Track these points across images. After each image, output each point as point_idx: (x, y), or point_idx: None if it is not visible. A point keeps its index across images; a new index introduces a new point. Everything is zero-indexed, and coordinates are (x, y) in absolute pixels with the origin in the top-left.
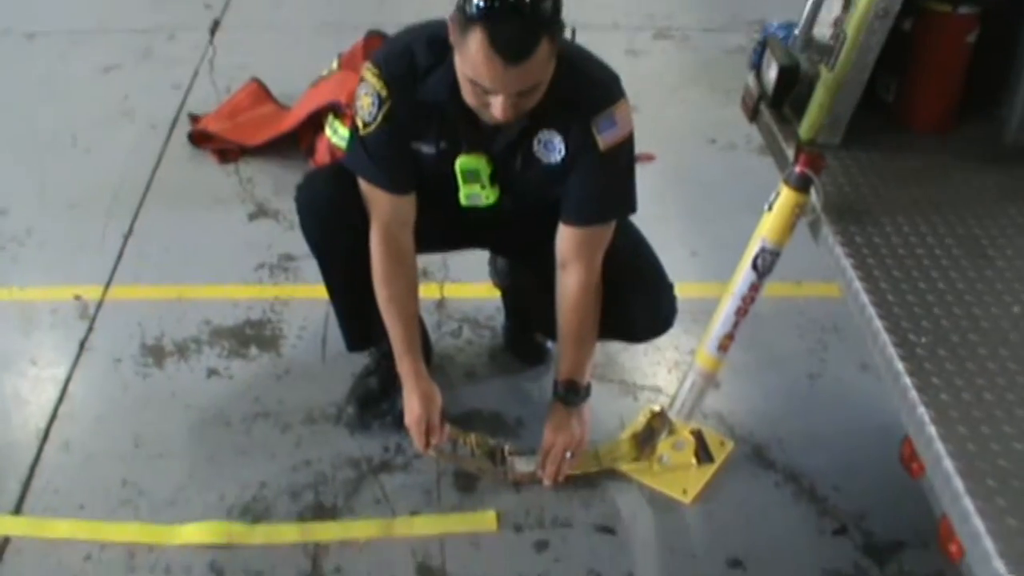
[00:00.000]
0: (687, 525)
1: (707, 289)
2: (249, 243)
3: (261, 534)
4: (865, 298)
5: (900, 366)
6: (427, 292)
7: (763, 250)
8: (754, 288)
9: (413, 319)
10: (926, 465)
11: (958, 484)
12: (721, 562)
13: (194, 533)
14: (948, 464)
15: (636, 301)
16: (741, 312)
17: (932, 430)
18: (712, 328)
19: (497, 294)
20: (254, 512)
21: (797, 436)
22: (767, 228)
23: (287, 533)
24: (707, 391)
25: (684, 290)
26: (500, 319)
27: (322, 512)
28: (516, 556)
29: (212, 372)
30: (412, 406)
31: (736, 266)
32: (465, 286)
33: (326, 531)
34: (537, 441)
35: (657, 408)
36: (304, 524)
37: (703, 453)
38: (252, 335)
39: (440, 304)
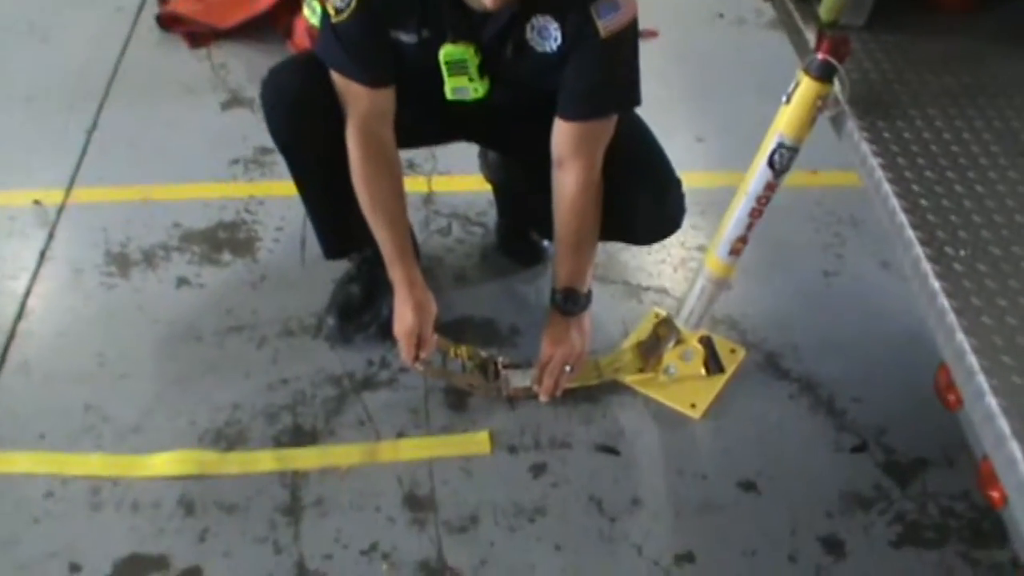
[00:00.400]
0: (696, 443)
1: (715, 178)
2: (222, 135)
3: (235, 463)
4: (896, 203)
5: (936, 284)
6: (413, 186)
7: (780, 146)
8: (770, 187)
9: (402, 222)
10: (965, 400)
11: (1003, 425)
12: (732, 484)
13: (163, 464)
14: (991, 401)
15: (640, 200)
16: (755, 214)
17: (973, 361)
18: (723, 230)
19: (489, 187)
20: (227, 438)
21: (813, 342)
22: (785, 122)
23: (263, 461)
24: (717, 297)
25: (690, 180)
26: (492, 215)
27: (301, 436)
28: (511, 481)
29: (182, 281)
30: (404, 316)
31: (745, 153)
32: (455, 179)
33: (305, 458)
34: (533, 351)
35: (663, 313)
36: (281, 451)
37: (713, 363)
38: (225, 239)
39: (428, 199)
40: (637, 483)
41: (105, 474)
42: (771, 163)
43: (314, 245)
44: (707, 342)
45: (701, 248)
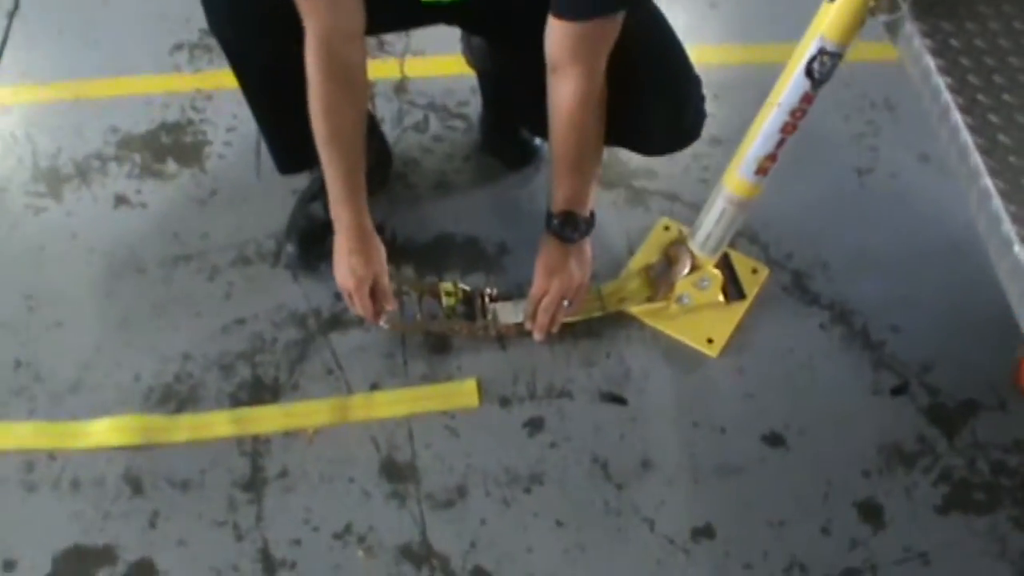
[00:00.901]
0: (714, 388)
1: (731, 53)
2: (163, 16)
3: (186, 428)
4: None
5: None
6: (383, 71)
7: (821, 52)
8: (807, 99)
9: (359, 158)
10: None
11: None
12: (755, 439)
13: (104, 432)
14: None
15: (654, 106)
16: (788, 129)
17: None
18: (748, 146)
19: (472, 72)
20: (177, 396)
21: (845, 256)
22: (828, 24)
23: (218, 425)
24: (740, 221)
25: (702, 55)
26: (476, 105)
27: (260, 391)
28: (504, 442)
29: (121, 200)
30: (353, 268)
31: (767, 22)
32: (432, 61)
33: (266, 419)
34: (525, 275)
35: (673, 228)
36: (239, 411)
37: (733, 288)
38: (169, 144)
39: (400, 87)
40: (647, 440)
41: (40, 446)
42: (809, 71)
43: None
44: (726, 263)
45: (715, 141)
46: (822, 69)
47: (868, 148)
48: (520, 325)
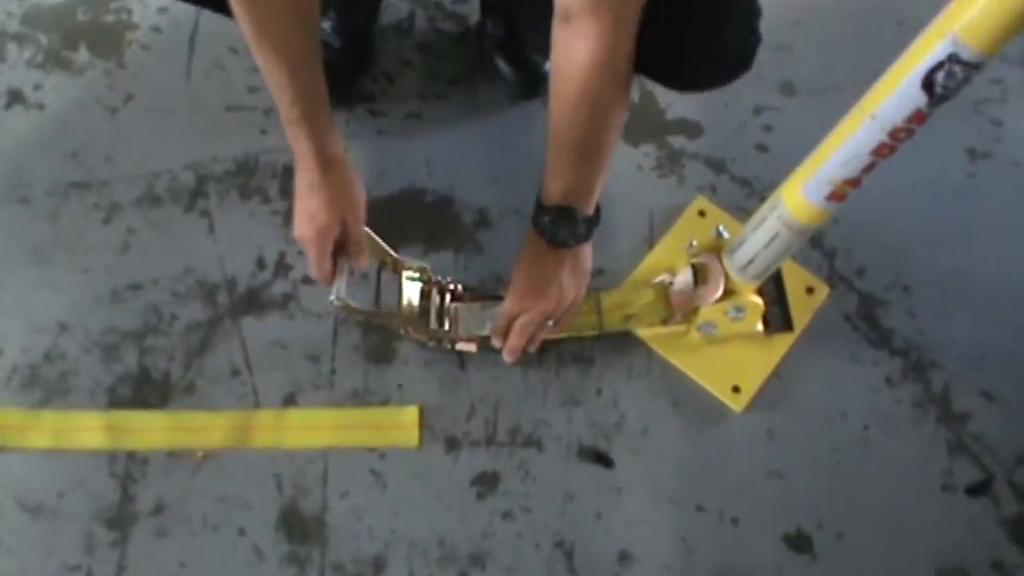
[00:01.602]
0: (731, 458)
1: None
2: None
3: (49, 430)
4: None
5: None
6: None
7: (952, 59)
8: (917, 118)
9: (313, 55)
10: None
11: None
12: (776, 537)
13: None
14: None
15: (686, 16)
16: (883, 151)
17: None
18: (823, 159)
19: None
20: (45, 383)
21: (937, 281)
22: (968, 22)
23: (88, 431)
24: (795, 248)
25: None
26: (475, 5)
27: (146, 390)
28: (444, 501)
29: (15, 97)
30: (312, 211)
31: None
32: None
33: (148, 431)
34: (506, 263)
35: (709, 215)
36: (115, 416)
37: (777, 315)
38: (86, 24)
39: None
40: (631, 522)
41: None
42: (928, 83)
43: (209, 46)
44: (773, 280)
45: (787, 89)
46: (948, 82)
47: (989, 121)
48: (487, 338)
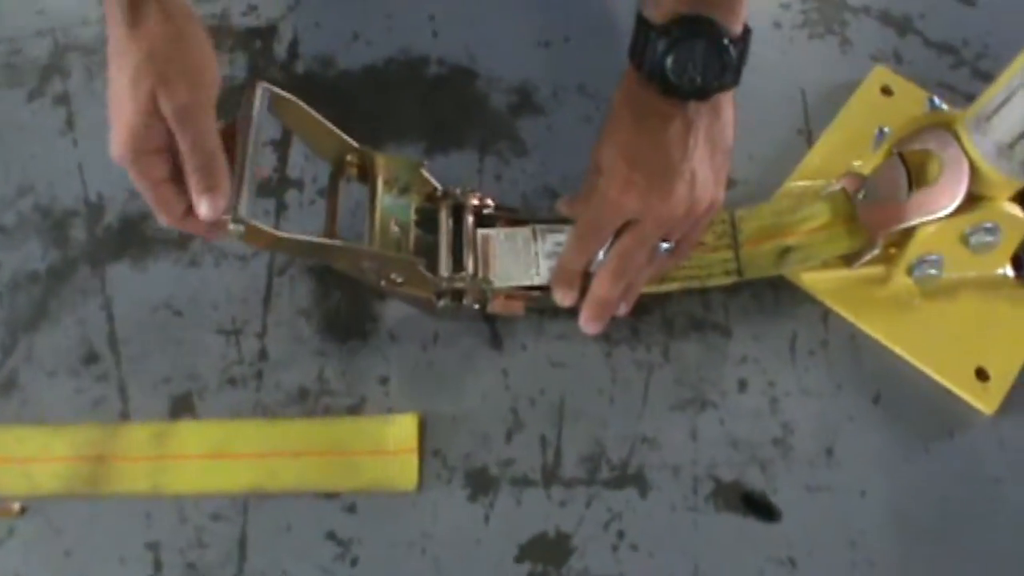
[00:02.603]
0: (982, 494)
1: None
2: None
3: None
4: None
5: None
6: None
7: None
8: None
9: None
10: None
11: None
12: None
13: None
14: None
15: None
16: None
17: None
18: None
19: None
20: None
21: None
22: None
23: None
24: None
25: None
26: None
27: None
28: None
29: None
30: (120, 95)
31: None
32: None
33: None
34: (570, 164)
35: (895, 88)
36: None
37: None
38: None
39: None
40: None
41: None
42: None
43: None
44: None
45: None
46: None
47: None
48: (540, 291)
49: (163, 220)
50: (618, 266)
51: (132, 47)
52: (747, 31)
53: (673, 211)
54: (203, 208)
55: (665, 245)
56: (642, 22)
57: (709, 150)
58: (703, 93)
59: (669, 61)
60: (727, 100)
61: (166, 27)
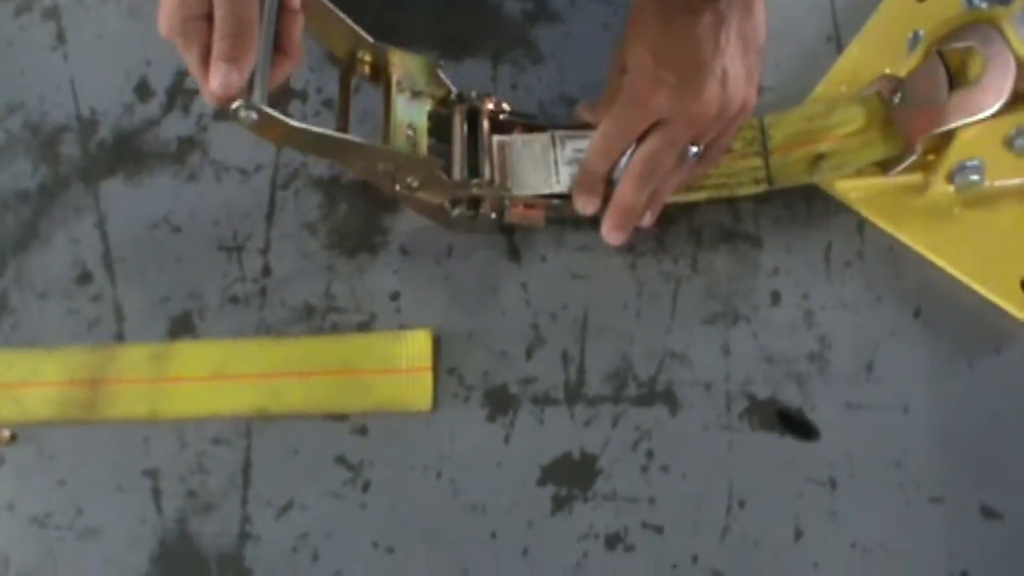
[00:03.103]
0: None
1: None
2: None
3: None
4: None
5: None
6: None
7: None
8: None
9: None
10: None
11: None
12: None
13: None
14: None
15: None
16: None
17: None
18: None
19: None
20: None
21: None
22: None
23: None
24: None
25: None
26: None
27: None
28: (511, 519)
29: None
30: None
31: None
32: None
33: None
34: (586, 73)
35: (918, 8)
36: None
37: None
38: None
39: None
40: (858, 543)
41: None
42: None
43: None
44: None
45: None
46: None
47: None
48: (562, 199)
49: (210, 97)
50: (644, 170)
51: None
52: None
53: (704, 110)
54: (216, 80)
55: (694, 149)
56: None
57: (741, 47)
58: None
59: None
60: None
61: None
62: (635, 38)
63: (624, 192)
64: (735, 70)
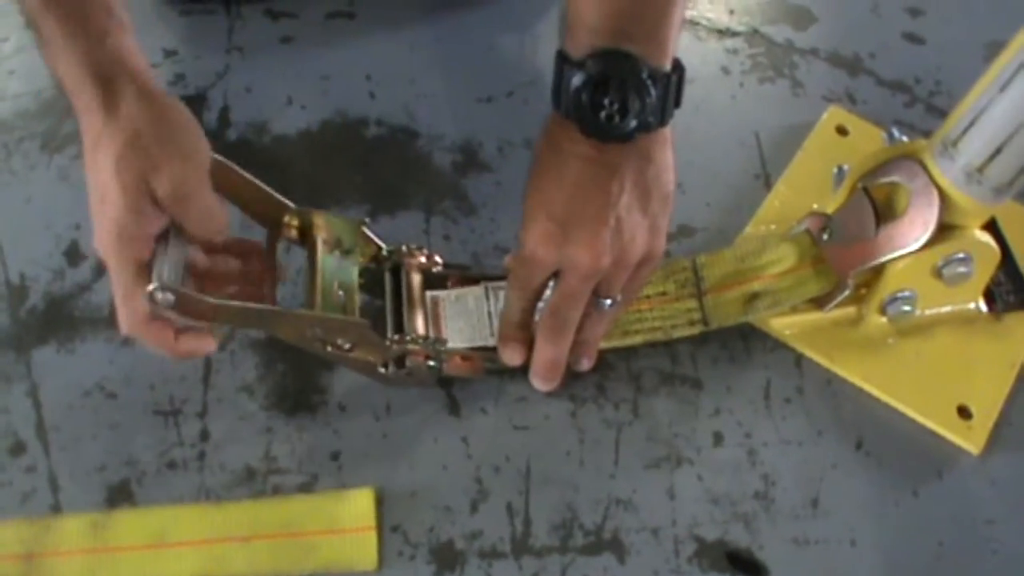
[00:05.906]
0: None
1: None
2: None
3: None
4: None
5: None
6: None
7: None
8: None
9: None
10: None
11: None
12: None
13: None
14: None
15: None
16: None
17: None
18: None
19: None
20: None
21: None
22: None
23: None
24: None
25: None
26: None
27: None
28: None
29: None
30: (102, 188)
31: None
32: None
33: None
34: (513, 222)
35: (851, 128)
36: None
37: (1007, 285)
38: None
39: None
40: None
41: None
42: None
43: None
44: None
45: None
46: None
47: None
48: (495, 351)
49: (126, 325)
50: (552, 323)
51: (114, 134)
52: (678, 68)
53: (597, 262)
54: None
55: (607, 302)
56: (560, 56)
57: (639, 196)
58: (624, 134)
59: (584, 98)
60: (661, 142)
61: (147, 108)
62: (529, 188)
63: (539, 345)
64: (632, 220)
